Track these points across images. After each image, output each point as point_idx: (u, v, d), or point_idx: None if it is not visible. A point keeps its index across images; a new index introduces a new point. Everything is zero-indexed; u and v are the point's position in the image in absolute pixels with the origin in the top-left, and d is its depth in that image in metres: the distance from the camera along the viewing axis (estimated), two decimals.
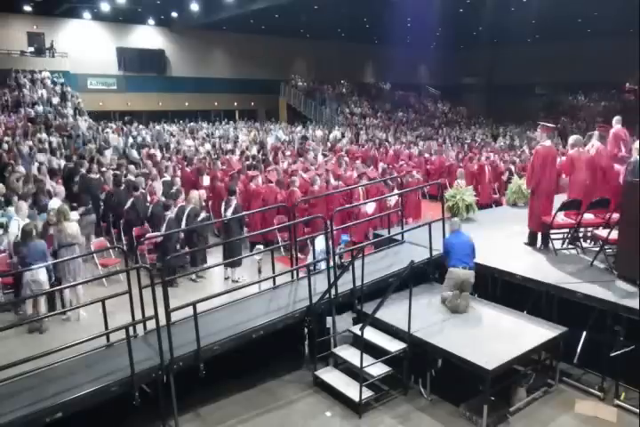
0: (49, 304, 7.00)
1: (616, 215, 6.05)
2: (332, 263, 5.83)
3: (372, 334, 5.43)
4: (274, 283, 6.27)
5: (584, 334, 5.40)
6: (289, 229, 7.20)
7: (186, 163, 13.60)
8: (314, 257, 6.54)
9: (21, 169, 11.78)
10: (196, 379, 4.82)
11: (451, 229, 6.13)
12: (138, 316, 5.05)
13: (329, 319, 5.78)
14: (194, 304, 4.81)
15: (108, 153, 15.77)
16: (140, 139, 20.25)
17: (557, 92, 33.81)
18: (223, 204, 8.87)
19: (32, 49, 27.29)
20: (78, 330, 6.43)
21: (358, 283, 5.74)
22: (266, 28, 30.62)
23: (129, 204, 9.43)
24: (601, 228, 6.36)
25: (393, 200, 9.85)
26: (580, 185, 6.89)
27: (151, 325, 4.91)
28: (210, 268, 8.60)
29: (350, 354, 5.48)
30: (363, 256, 5.69)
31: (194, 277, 8.30)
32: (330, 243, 6.02)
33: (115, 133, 19.92)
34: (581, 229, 6.70)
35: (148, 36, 31.55)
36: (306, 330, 5.88)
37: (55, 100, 24.01)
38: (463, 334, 5.28)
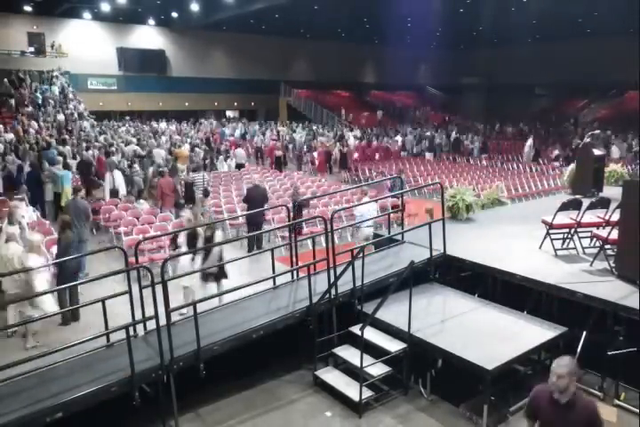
0: None
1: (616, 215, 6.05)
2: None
3: (372, 334, 5.43)
4: (274, 283, 6.27)
5: (584, 334, 5.40)
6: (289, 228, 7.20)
7: None
8: None
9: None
10: (196, 379, 4.82)
11: None
12: (138, 316, 5.05)
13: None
14: (194, 304, 4.81)
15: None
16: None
17: (557, 92, 33.79)
18: None
19: (32, 49, 27.35)
20: (78, 330, 6.43)
21: (358, 283, 5.74)
22: (266, 28, 30.66)
23: None
24: (601, 228, 6.36)
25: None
26: None
27: (151, 325, 4.91)
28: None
29: (350, 354, 5.48)
30: (363, 256, 5.69)
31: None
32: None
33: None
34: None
35: (147, 36, 31.59)
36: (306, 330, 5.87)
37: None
38: (463, 334, 5.28)
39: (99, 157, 15.00)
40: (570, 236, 6.66)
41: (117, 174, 12.38)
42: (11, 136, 18.21)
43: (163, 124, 27.08)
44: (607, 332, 5.21)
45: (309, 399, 5.32)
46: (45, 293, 6.02)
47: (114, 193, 12.04)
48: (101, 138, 19.58)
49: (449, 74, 37.72)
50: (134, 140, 19.11)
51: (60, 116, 22.51)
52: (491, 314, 5.76)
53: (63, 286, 6.53)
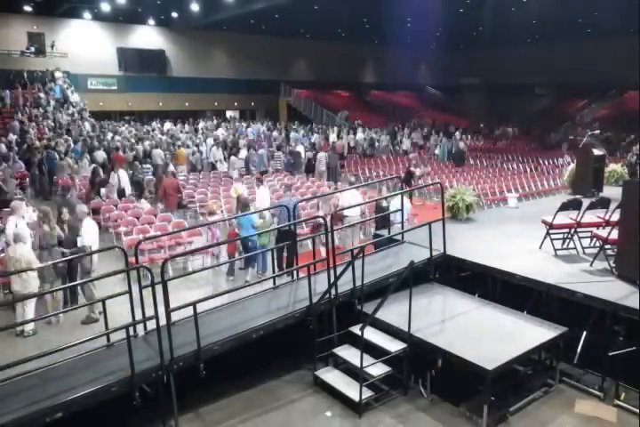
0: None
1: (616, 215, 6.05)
2: None
3: (371, 334, 5.44)
4: (274, 283, 6.28)
5: (584, 334, 5.40)
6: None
7: None
8: None
9: None
10: (197, 379, 4.82)
11: None
12: (138, 316, 5.05)
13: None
14: (194, 304, 4.81)
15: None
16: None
17: (557, 92, 33.80)
18: None
19: (32, 49, 27.33)
20: (78, 330, 6.44)
21: (358, 283, 5.74)
22: (266, 28, 30.64)
23: None
24: (601, 228, 6.36)
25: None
26: None
27: (151, 325, 4.91)
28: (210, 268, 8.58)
29: (350, 354, 5.48)
30: (363, 256, 5.69)
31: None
32: None
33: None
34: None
35: (148, 36, 31.55)
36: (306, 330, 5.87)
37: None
38: (463, 334, 5.28)
39: (116, 155, 15.12)
40: (570, 236, 6.67)
41: (122, 174, 12.38)
42: (12, 136, 18.21)
43: (170, 126, 26.57)
44: (607, 332, 5.21)
45: (309, 399, 5.32)
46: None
47: (120, 193, 12.02)
48: (116, 137, 19.94)
49: (449, 74, 37.72)
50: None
51: (60, 117, 22.50)
52: (491, 314, 5.77)
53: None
